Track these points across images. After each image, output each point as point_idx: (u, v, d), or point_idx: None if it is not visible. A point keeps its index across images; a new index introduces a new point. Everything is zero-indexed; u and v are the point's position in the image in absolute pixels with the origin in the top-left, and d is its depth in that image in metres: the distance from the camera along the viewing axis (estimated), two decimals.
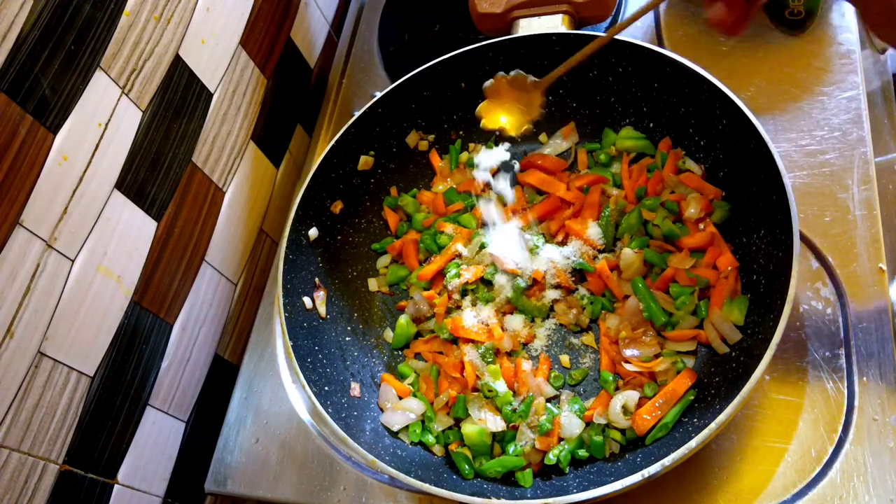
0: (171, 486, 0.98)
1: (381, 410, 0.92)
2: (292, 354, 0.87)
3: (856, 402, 0.81)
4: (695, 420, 0.78)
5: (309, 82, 1.28)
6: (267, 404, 1.01)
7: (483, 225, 1.03)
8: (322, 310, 0.97)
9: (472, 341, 0.92)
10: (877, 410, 0.80)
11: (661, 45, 1.11)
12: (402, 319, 0.99)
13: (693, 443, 0.69)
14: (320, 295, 0.98)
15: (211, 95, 1.00)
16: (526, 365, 0.91)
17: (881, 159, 0.97)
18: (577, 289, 0.95)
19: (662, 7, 1.15)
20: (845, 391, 0.82)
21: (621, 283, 0.92)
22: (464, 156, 1.09)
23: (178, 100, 0.93)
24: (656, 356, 0.86)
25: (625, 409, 0.82)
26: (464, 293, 0.97)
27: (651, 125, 0.99)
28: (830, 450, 0.80)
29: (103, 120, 0.81)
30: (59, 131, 0.75)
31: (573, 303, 0.94)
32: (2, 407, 0.71)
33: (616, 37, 0.94)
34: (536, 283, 0.95)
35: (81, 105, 0.77)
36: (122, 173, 0.85)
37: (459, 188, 1.07)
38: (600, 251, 0.96)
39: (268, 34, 1.13)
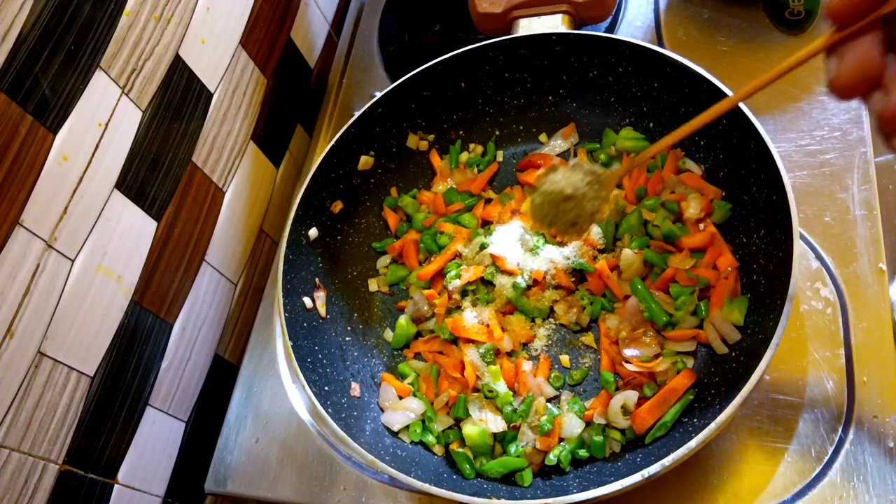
0: (171, 486, 0.98)
1: (382, 410, 0.92)
2: (292, 354, 0.87)
3: (856, 402, 0.81)
4: (695, 420, 0.78)
5: (309, 82, 1.28)
6: (267, 404, 1.01)
7: (483, 225, 1.03)
8: (322, 310, 0.97)
9: (473, 341, 0.92)
10: (877, 410, 0.80)
11: (661, 45, 1.11)
12: (402, 319, 0.99)
13: (693, 443, 0.69)
14: (320, 295, 0.98)
15: (211, 95, 1.00)
16: (526, 365, 0.91)
17: (881, 159, 0.97)
18: (576, 289, 0.95)
19: (662, 7, 1.15)
20: (845, 391, 0.82)
21: (621, 284, 0.92)
22: (464, 156, 1.09)
23: (178, 100, 0.93)
24: (656, 356, 0.86)
25: (624, 409, 0.82)
26: (464, 293, 0.97)
27: (651, 125, 0.99)
28: (830, 450, 0.80)
29: (103, 120, 0.81)
30: (59, 131, 0.75)
31: (573, 303, 0.94)
32: (2, 407, 0.71)
33: (616, 37, 0.94)
34: (536, 283, 0.95)
35: (81, 105, 0.77)
36: (122, 173, 0.85)
37: (459, 188, 1.07)
38: (600, 251, 0.96)
39: (268, 34, 1.13)
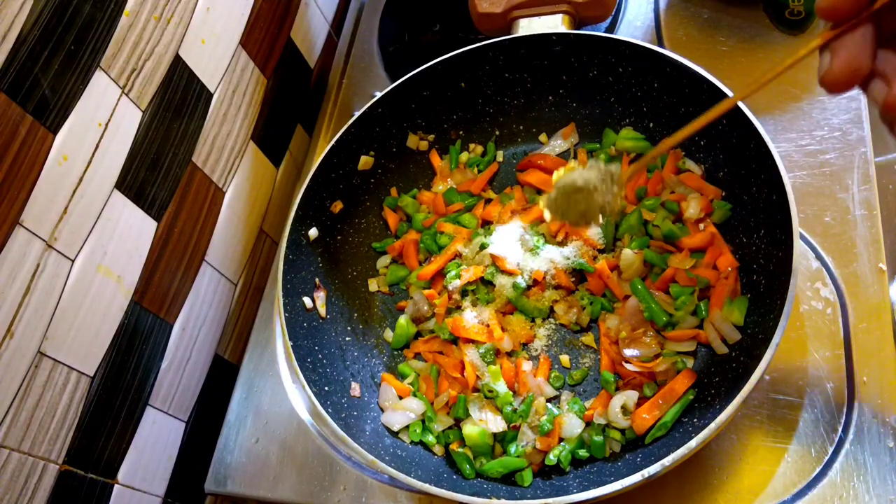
0: (171, 486, 0.98)
1: (382, 410, 0.92)
2: (292, 354, 0.87)
3: (856, 402, 0.81)
4: (695, 420, 0.78)
5: (309, 82, 1.28)
6: (267, 404, 1.01)
7: (483, 225, 1.03)
8: (322, 310, 0.97)
9: (473, 341, 0.92)
10: (877, 410, 0.80)
11: (661, 45, 1.11)
12: (402, 319, 0.99)
13: (693, 443, 0.69)
14: (320, 295, 0.98)
15: (211, 95, 1.00)
16: (526, 365, 0.91)
17: (881, 159, 0.97)
18: (577, 289, 0.95)
19: (662, 7, 1.15)
20: (845, 391, 0.82)
21: (621, 284, 0.92)
22: (464, 156, 1.09)
23: (178, 100, 0.93)
24: (656, 356, 0.86)
25: (624, 409, 0.82)
26: (464, 293, 0.97)
27: (651, 125, 0.99)
28: (830, 450, 0.80)
29: (103, 120, 0.81)
30: (59, 131, 0.75)
31: (573, 303, 0.94)
32: (2, 407, 0.71)
33: (616, 37, 0.94)
34: (536, 283, 0.95)
35: (81, 105, 0.77)
36: (122, 173, 0.85)
37: (459, 188, 1.07)
38: (600, 251, 0.96)
39: (268, 34, 1.13)
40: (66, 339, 0.79)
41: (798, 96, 1.00)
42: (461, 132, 1.10)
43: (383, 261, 1.06)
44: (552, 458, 0.82)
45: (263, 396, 1.02)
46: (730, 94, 0.83)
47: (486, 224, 1.03)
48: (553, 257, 0.95)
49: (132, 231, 0.87)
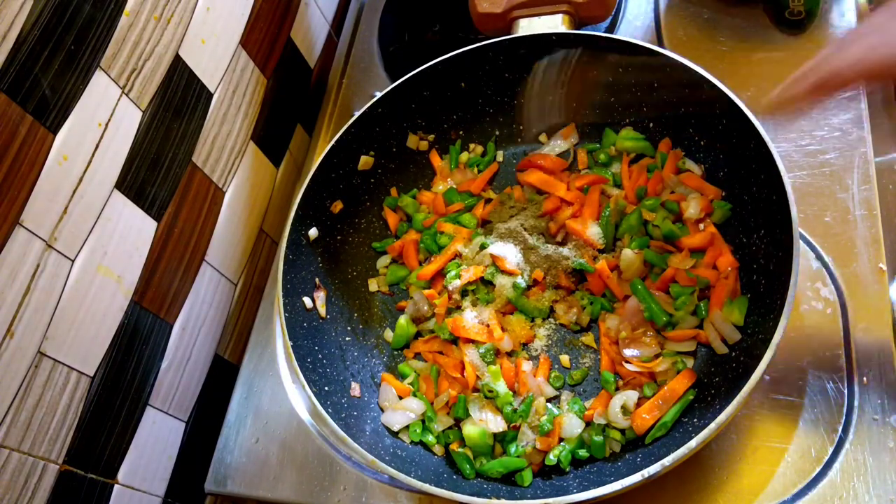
0: (171, 486, 0.98)
1: (382, 410, 0.92)
2: (292, 354, 0.87)
3: (856, 402, 0.81)
4: (695, 420, 0.78)
5: (309, 82, 1.28)
6: (267, 404, 1.01)
7: (483, 224, 1.03)
8: (322, 310, 0.97)
9: (473, 341, 0.92)
10: (877, 410, 0.80)
11: (661, 45, 1.11)
12: (402, 319, 0.99)
13: (693, 443, 0.69)
14: (320, 295, 0.98)
15: (211, 95, 1.00)
16: (526, 365, 0.91)
17: (881, 159, 0.97)
18: (577, 289, 0.95)
19: (662, 7, 1.15)
20: (845, 391, 0.82)
21: (621, 284, 0.92)
22: (464, 156, 1.09)
23: (178, 100, 0.93)
24: (656, 356, 0.86)
25: (624, 409, 0.82)
26: (464, 293, 0.97)
27: (651, 125, 0.99)
28: (830, 450, 0.80)
29: (103, 120, 0.81)
30: (59, 131, 0.75)
31: (573, 303, 0.94)
32: (2, 407, 0.71)
33: (616, 37, 0.94)
34: (536, 283, 0.95)
35: (81, 105, 0.77)
36: (122, 173, 0.85)
37: (459, 188, 1.07)
38: (600, 251, 0.96)
39: (268, 34, 1.13)
40: (66, 339, 0.79)
41: None
42: (461, 132, 1.10)
43: (383, 261, 1.06)
44: (552, 458, 0.82)
45: (263, 396, 1.02)
46: (730, 94, 0.83)
47: (486, 224, 1.03)
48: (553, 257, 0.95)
49: (132, 231, 0.87)
